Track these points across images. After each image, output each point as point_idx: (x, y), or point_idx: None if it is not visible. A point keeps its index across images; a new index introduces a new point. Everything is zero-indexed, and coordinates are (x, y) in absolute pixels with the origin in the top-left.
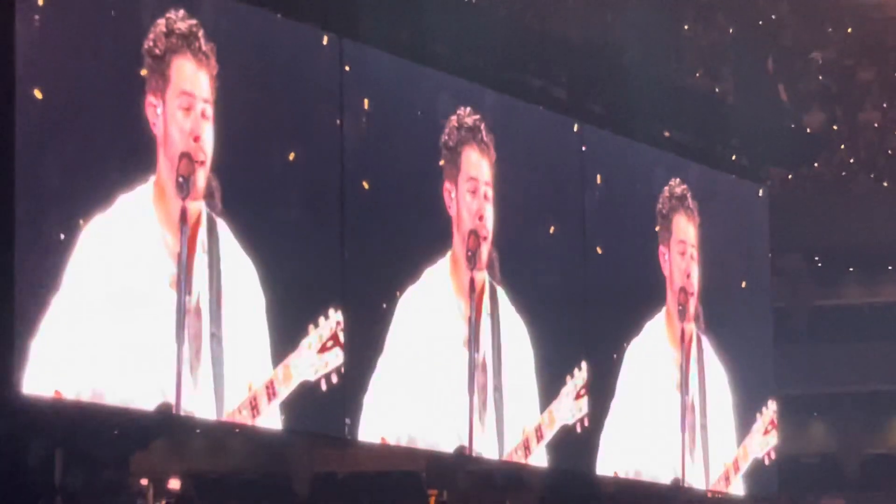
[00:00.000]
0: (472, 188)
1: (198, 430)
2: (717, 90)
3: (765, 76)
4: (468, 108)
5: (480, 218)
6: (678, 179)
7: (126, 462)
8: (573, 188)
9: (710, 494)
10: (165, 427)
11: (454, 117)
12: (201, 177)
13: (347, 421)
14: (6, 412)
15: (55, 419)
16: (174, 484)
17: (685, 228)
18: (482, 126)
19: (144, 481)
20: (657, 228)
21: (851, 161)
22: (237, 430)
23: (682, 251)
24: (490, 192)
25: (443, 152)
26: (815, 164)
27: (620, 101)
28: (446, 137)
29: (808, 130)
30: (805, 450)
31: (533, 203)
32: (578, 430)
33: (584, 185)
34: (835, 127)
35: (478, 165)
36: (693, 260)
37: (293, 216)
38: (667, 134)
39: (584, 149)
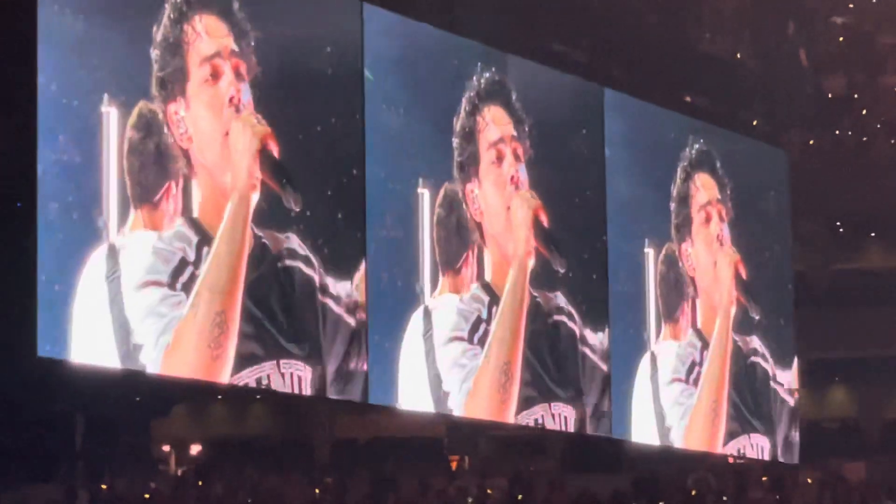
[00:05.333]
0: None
1: (219, 396)
2: (738, 55)
3: (786, 41)
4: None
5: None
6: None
7: (147, 428)
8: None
9: (731, 460)
10: (187, 393)
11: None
12: None
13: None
14: (29, 378)
15: (77, 385)
16: (195, 450)
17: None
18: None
19: (166, 447)
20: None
21: (874, 125)
22: (258, 396)
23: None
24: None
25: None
26: (837, 131)
27: (641, 65)
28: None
29: (829, 95)
30: (826, 415)
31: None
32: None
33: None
34: (855, 95)
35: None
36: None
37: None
38: (688, 99)
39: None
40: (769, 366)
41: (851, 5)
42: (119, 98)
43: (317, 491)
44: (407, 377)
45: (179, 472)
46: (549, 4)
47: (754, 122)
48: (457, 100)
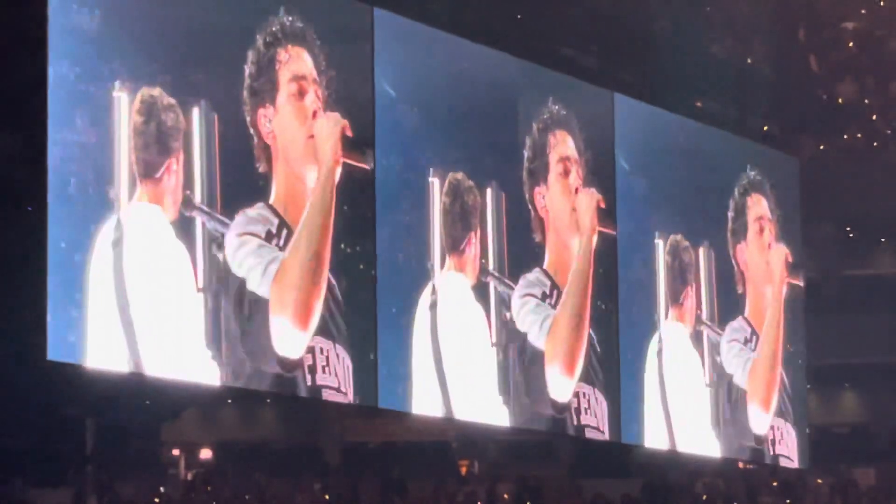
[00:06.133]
0: None
1: (229, 401)
2: (748, 60)
3: (796, 46)
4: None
5: None
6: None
7: (157, 432)
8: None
9: (741, 465)
10: (197, 397)
11: None
12: None
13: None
14: (39, 382)
15: (87, 389)
16: (205, 454)
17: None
18: None
19: (176, 451)
20: None
21: (885, 131)
22: (268, 400)
23: None
24: None
25: None
26: (846, 136)
27: (652, 70)
28: None
29: (840, 100)
30: (836, 420)
31: None
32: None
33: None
34: (866, 100)
35: None
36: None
37: None
38: (698, 104)
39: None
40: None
41: (863, 11)
42: (127, 84)
43: (326, 497)
44: (417, 349)
45: (189, 476)
46: (559, 9)
47: (765, 128)
48: (466, 101)
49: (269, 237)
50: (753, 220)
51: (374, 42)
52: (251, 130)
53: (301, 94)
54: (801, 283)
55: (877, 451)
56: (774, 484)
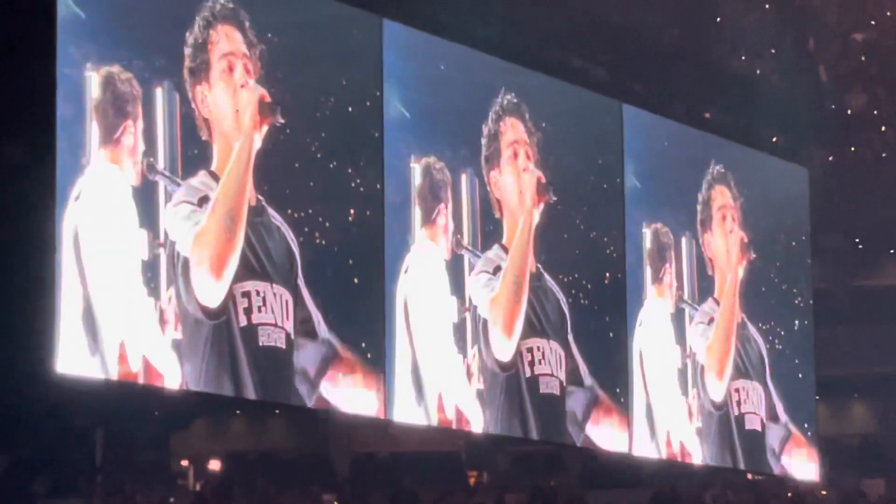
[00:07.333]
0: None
1: (237, 411)
2: (757, 71)
3: (806, 57)
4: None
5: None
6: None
7: (166, 442)
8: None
9: (750, 476)
10: (206, 408)
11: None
12: None
13: None
14: (48, 392)
15: (96, 400)
16: (214, 465)
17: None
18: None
19: (185, 462)
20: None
21: (894, 142)
22: (277, 411)
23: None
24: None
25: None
26: (853, 148)
27: (661, 81)
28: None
29: (850, 111)
30: (846, 431)
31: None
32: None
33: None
34: (875, 111)
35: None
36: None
37: None
38: (707, 115)
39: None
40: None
41: (872, 22)
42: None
43: None
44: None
45: (198, 487)
46: (568, 19)
47: (774, 139)
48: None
49: (202, 202)
50: (717, 209)
51: (382, 51)
52: (192, 105)
53: (230, 69)
54: (753, 255)
55: (887, 462)
56: (789, 495)
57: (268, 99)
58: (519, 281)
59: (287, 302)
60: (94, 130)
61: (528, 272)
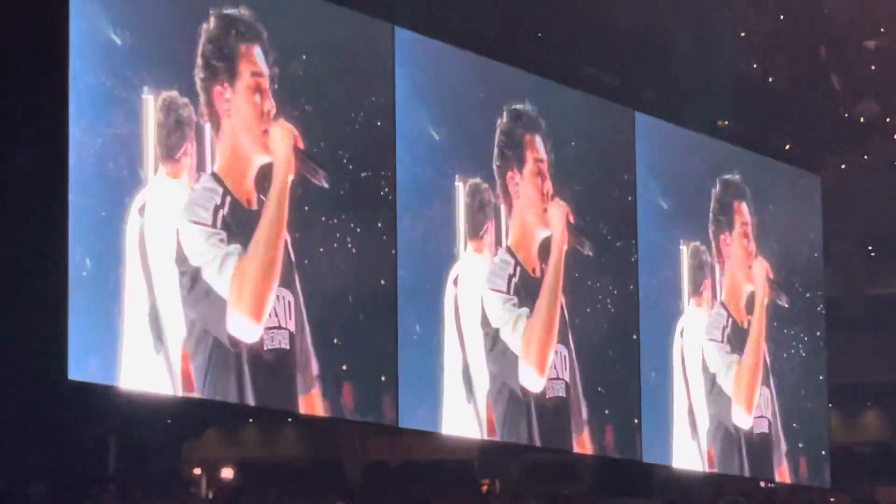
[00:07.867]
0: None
1: (250, 420)
2: (770, 79)
3: (818, 65)
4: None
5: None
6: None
7: (179, 451)
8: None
9: (763, 485)
10: (218, 416)
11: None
12: None
13: None
14: (60, 400)
15: (108, 407)
16: (226, 473)
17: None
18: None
19: (197, 470)
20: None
21: None
22: (289, 419)
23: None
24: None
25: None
26: (866, 156)
27: (673, 89)
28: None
29: (862, 119)
30: (859, 439)
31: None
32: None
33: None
34: (888, 119)
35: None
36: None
37: None
38: (720, 123)
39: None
40: None
41: (883, 29)
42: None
43: None
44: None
45: (210, 495)
46: (580, 27)
47: (787, 147)
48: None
49: (215, 212)
50: (739, 223)
51: (394, 62)
52: (202, 97)
53: (258, 89)
54: (785, 304)
55: None
56: None
57: (302, 146)
58: (551, 321)
59: (290, 304)
60: (152, 147)
61: (559, 308)
